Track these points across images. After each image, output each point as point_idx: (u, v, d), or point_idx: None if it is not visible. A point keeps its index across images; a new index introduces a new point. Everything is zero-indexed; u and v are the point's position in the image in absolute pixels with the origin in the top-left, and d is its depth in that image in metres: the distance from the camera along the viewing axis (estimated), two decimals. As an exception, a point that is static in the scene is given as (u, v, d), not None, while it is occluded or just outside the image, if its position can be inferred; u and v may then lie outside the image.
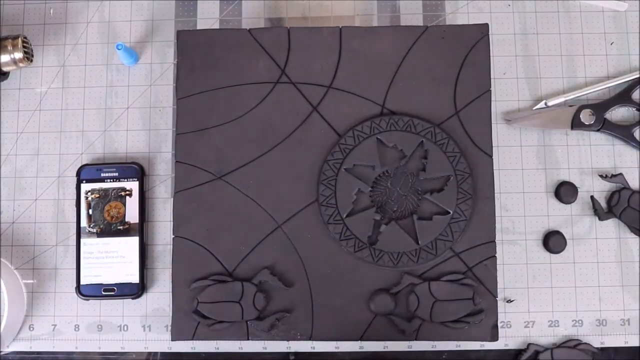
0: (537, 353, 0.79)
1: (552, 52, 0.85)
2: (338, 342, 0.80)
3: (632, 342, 0.80)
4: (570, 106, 0.83)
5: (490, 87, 0.76)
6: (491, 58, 0.80)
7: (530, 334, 0.80)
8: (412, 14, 0.86)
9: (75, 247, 0.80)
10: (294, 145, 0.75)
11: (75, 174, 0.82)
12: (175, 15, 0.86)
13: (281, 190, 0.74)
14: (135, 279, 0.80)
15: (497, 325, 0.72)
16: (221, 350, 0.80)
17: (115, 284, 0.80)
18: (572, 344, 0.80)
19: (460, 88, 0.75)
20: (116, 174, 0.81)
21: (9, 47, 0.78)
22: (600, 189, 0.82)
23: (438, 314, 0.71)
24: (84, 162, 0.83)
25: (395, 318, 0.71)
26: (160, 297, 0.81)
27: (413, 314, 0.71)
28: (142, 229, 0.81)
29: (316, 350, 0.80)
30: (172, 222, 0.75)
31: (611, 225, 0.82)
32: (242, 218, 0.74)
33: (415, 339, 0.72)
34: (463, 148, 0.74)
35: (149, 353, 0.80)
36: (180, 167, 0.75)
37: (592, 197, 0.82)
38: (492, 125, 0.76)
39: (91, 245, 0.80)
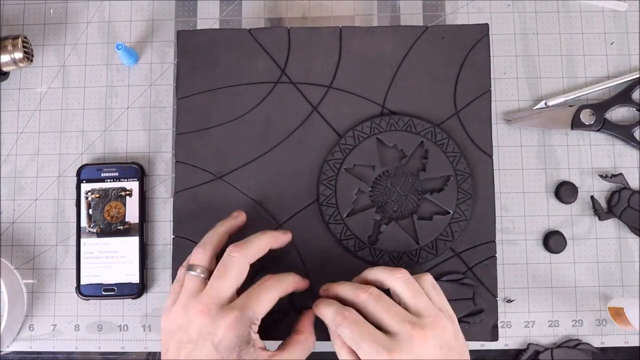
0: (537, 353, 0.79)
1: (552, 52, 0.85)
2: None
3: (632, 342, 0.80)
4: (570, 106, 0.83)
5: (491, 87, 0.76)
6: (491, 58, 0.80)
7: (530, 334, 0.80)
8: (412, 14, 0.86)
9: (75, 247, 0.80)
10: (294, 145, 0.75)
11: (75, 174, 0.82)
12: (175, 15, 0.86)
13: (281, 190, 0.74)
14: (135, 279, 0.80)
15: (497, 325, 0.72)
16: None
17: (115, 284, 0.80)
18: (572, 344, 0.80)
19: (461, 88, 0.75)
20: (116, 174, 0.81)
21: (9, 47, 0.78)
22: (600, 189, 0.82)
23: None
24: (84, 162, 0.83)
25: None
26: (160, 297, 0.81)
27: None
28: (142, 229, 0.81)
29: (316, 350, 0.80)
30: (172, 222, 0.75)
31: (611, 225, 0.82)
32: None
33: None
34: (463, 148, 0.74)
35: (149, 353, 0.80)
36: (180, 167, 0.75)
37: (592, 197, 0.82)
38: (492, 125, 0.76)
39: (91, 245, 0.80)
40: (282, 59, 0.76)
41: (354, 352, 0.62)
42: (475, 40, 0.76)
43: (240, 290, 0.64)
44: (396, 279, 0.64)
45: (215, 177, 0.74)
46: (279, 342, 0.69)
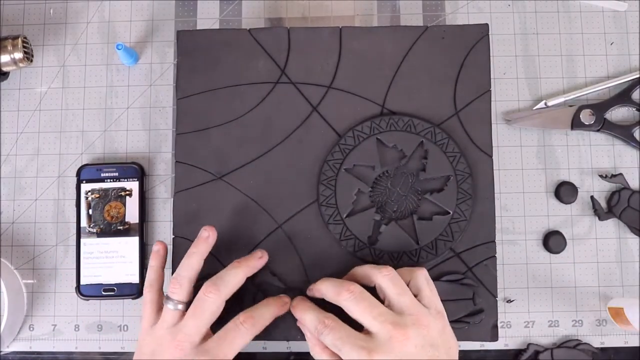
0: (537, 353, 0.79)
1: (552, 52, 0.85)
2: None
3: (632, 342, 0.80)
4: (570, 106, 0.83)
5: (490, 87, 0.76)
6: (491, 58, 0.80)
7: (530, 334, 0.80)
8: (412, 14, 0.86)
9: (75, 247, 0.80)
10: (294, 146, 0.75)
11: (75, 174, 0.82)
12: (175, 15, 0.86)
13: (281, 190, 0.74)
14: (135, 279, 0.80)
15: (497, 325, 0.72)
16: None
17: (115, 284, 0.80)
18: (572, 344, 0.80)
19: (460, 88, 0.75)
20: (116, 174, 0.81)
21: (9, 47, 0.78)
22: (600, 189, 0.82)
23: None
24: (84, 162, 0.83)
25: None
26: (160, 297, 0.81)
27: None
28: (142, 229, 0.81)
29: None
30: (172, 222, 0.75)
31: (611, 225, 0.82)
32: (242, 218, 0.74)
33: None
34: (463, 148, 0.74)
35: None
36: (180, 167, 0.75)
37: (592, 197, 0.82)
38: (492, 125, 0.76)
39: (91, 245, 0.80)
40: (282, 59, 0.76)
41: (335, 354, 0.63)
42: (475, 40, 0.76)
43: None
44: (382, 276, 0.65)
45: (215, 177, 0.74)
46: (278, 343, 0.69)
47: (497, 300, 0.73)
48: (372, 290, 0.65)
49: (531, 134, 0.83)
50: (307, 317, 0.65)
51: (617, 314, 0.78)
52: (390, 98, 0.75)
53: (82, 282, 0.80)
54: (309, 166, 0.74)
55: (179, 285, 0.67)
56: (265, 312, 0.67)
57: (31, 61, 0.81)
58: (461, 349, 0.80)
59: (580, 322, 0.80)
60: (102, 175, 0.81)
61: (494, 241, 0.73)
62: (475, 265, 0.72)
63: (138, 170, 0.81)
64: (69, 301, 0.81)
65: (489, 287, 0.72)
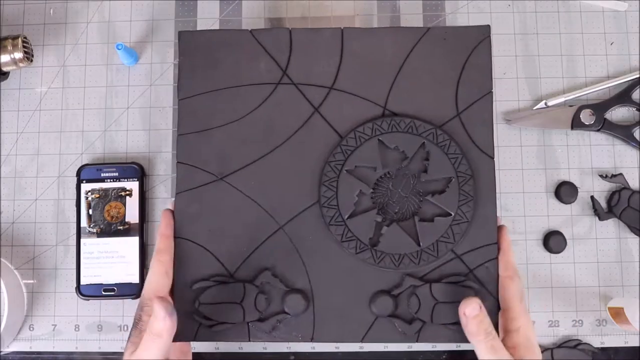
0: (537, 353, 0.79)
1: (552, 52, 0.85)
2: (338, 343, 0.80)
3: (632, 342, 0.81)
4: (571, 106, 0.83)
5: (492, 88, 0.76)
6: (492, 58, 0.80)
7: (530, 334, 0.80)
8: (412, 14, 0.86)
9: (75, 247, 0.80)
10: (296, 147, 0.74)
11: (75, 174, 0.82)
12: (175, 15, 0.86)
13: (282, 191, 0.74)
14: (135, 279, 0.80)
15: (497, 327, 0.73)
16: (221, 350, 0.80)
17: (115, 284, 0.80)
18: (572, 344, 0.80)
19: (462, 89, 0.75)
20: (116, 174, 0.81)
21: (9, 47, 0.78)
22: (601, 189, 0.83)
23: (439, 316, 0.71)
24: (84, 162, 0.83)
25: (396, 320, 0.71)
26: (160, 297, 0.81)
27: (414, 316, 0.71)
28: (142, 229, 0.81)
29: (316, 350, 0.80)
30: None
31: (611, 225, 0.82)
32: (243, 219, 0.73)
33: (417, 341, 0.71)
34: (465, 150, 0.74)
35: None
36: (181, 168, 0.74)
37: (592, 197, 0.82)
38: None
39: (91, 245, 0.80)
40: (284, 59, 0.76)
41: None
42: (477, 41, 0.76)
43: None
44: None
45: (216, 178, 0.74)
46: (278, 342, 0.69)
47: (498, 302, 0.73)
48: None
49: (531, 134, 0.84)
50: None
51: (617, 314, 0.78)
52: (391, 99, 0.75)
53: (82, 282, 0.80)
54: (311, 167, 0.74)
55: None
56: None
57: (31, 61, 0.81)
58: (460, 349, 0.80)
59: (580, 322, 0.81)
60: (102, 175, 0.81)
61: (495, 243, 0.73)
62: (476, 268, 0.72)
63: (138, 170, 0.81)
64: (69, 301, 0.81)
65: (490, 289, 0.72)
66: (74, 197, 0.82)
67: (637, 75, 0.84)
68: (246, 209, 0.74)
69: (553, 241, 0.81)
